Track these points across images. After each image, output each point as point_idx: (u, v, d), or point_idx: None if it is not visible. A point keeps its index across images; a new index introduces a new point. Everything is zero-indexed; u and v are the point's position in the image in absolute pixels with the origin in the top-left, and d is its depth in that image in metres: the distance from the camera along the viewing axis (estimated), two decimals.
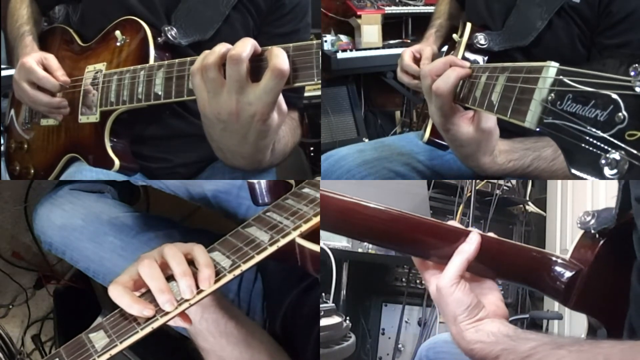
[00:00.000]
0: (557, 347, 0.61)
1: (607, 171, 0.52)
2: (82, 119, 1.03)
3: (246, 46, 0.76)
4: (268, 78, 0.75)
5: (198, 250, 0.71)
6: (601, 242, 0.75)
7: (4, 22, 1.18)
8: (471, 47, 1.08)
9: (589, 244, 0.76)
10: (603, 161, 0.52)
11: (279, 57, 0.75)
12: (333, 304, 1.33)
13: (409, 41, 2.31)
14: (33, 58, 1.02)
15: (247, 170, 0.93)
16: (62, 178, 1.10)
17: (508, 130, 0.89)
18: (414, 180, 1.36)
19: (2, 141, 1.23)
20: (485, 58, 1.07)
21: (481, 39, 1.06)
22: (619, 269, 0.73)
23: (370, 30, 2.21)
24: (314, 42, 0.77)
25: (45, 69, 1.02)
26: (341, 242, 1.81)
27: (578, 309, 0.75)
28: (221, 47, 0.78)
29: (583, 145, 0.55)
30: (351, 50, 2.17)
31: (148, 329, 0.65)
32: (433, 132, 1.03)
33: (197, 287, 0.68)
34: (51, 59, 1.04)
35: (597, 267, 0.74)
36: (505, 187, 2.31)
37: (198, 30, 1.02)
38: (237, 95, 0.77)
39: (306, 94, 1.40)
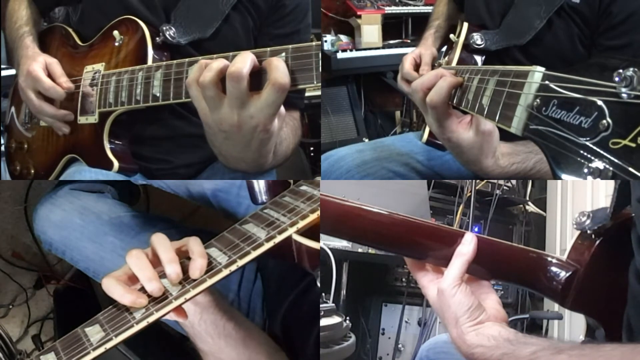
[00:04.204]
0: (558, 351, 0.60)
1: (590, 180, 0.50)
2: (81, 120, 1.03)
3: (246, 62, 0.75)
4: (269, 92, 0.75)
5: (193, 242, 0.71)
6: (597, 242, 0.75)
7: (4, 23, 1.18)
8: (468, 47, 1.08)
9: (585, 244, 0.76)
10: (586, 170, 0.50)
11: (279, 70, 0.74)
12: (333, 304, 1.33)
13: (409, 41, 2.30)
14: (39, 65, 1.02)
15: (250, 173, 0.93)
16: (62, 178, 1.10)
17: None
18: (413, 180, 1.36)
19: (2, 141, 1.23)
20: (482, 58, 1.07)
21: (477, 38, 1.06)
22: (615, 268, 0.74)
23: (370, 30, 2.21)
24: (313, 43, 0.76)
25: (49, 75, 1.02)
26: (341, 242, 1.81)
27: (575, 308, 0.76)
28: (219, 63, 0.77)
29: (567, 153, 0.53)
30: (351, 50, 2.17)
31: (144, 323, 0.64)
32: (432, 133, 1.03)
33: (188, 277, 0.67)
34: (55, 65, 1.03)
35: (594, 267, 0.74)
36: (505, 187, 2.31)
37: (198, 28, 1.01)
38: (239, 109, 0.76)
39: (306, 94, 1.40)
